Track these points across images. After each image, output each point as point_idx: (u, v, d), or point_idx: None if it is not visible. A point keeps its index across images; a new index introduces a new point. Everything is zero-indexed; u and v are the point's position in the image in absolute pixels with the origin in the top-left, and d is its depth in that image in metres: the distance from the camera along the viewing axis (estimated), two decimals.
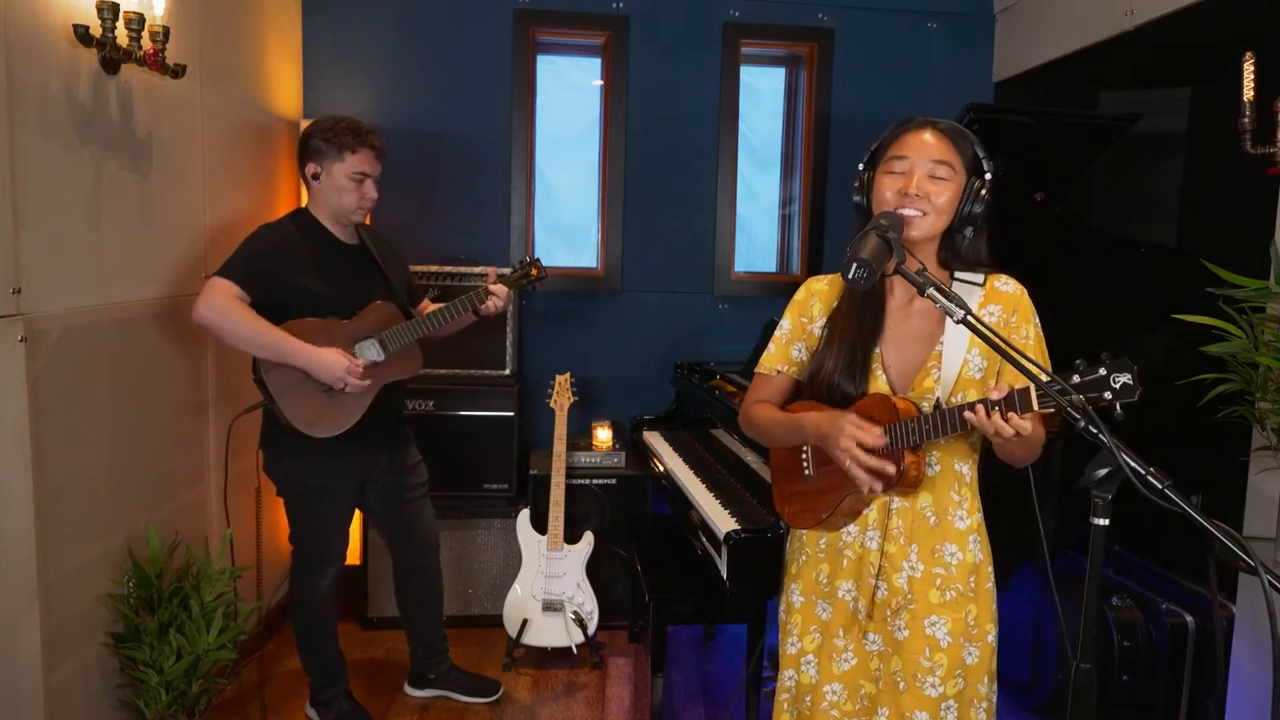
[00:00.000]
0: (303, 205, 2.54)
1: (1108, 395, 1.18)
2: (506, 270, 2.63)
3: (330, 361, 2.31)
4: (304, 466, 2.46)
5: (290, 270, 2.37)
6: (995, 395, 1.30)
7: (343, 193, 2.42)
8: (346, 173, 2.41)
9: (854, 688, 1.58)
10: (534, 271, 2.61)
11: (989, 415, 1.30)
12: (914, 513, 1.54)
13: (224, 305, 2.26)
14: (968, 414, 1.33)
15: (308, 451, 2.42)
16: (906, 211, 1.48)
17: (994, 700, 1.56)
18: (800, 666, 1.63)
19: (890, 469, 1.44)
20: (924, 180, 1.49)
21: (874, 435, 1.44)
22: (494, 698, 2.86)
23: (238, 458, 2.91)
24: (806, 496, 1.62)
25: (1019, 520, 2.10)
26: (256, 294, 2.31)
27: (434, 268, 3.39)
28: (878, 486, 1.45)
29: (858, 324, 1.57)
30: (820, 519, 1.58)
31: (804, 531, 1.67)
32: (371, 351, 2.40)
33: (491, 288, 2.52)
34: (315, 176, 2.43)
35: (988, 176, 1.52)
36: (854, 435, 1.44)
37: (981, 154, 1.53)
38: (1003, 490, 1.70)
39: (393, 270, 2.60)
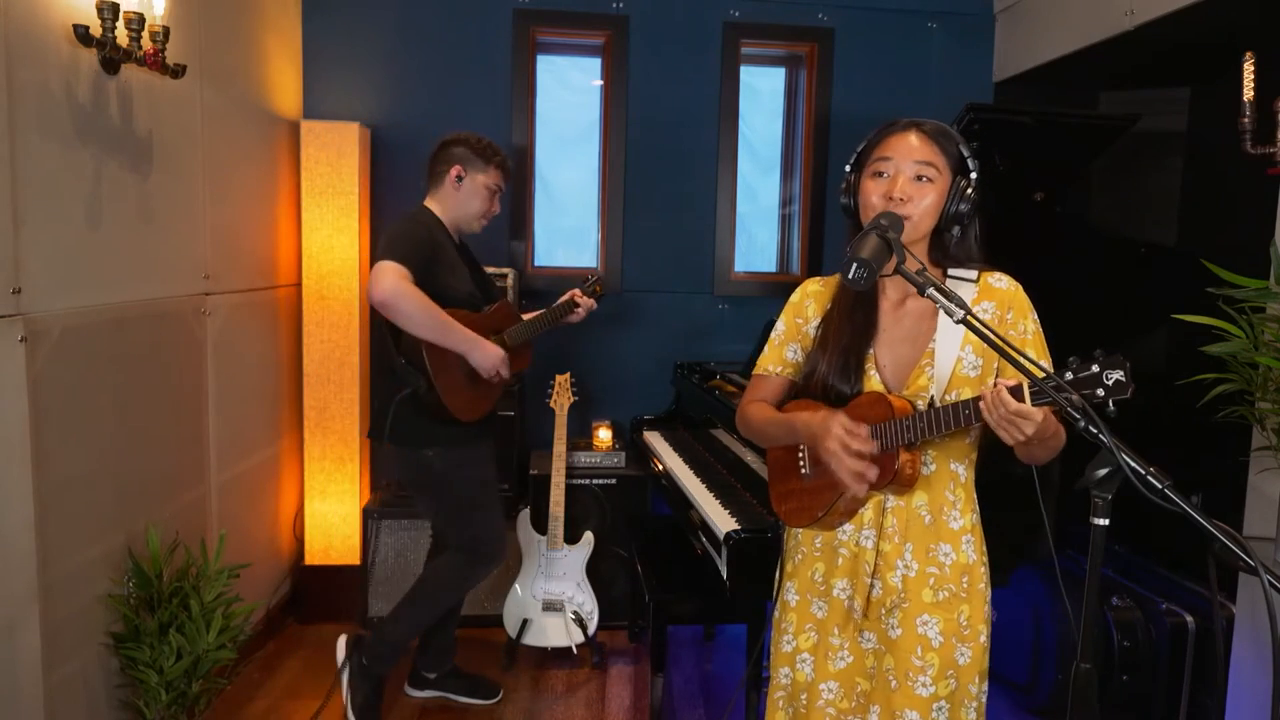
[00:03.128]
0: (423, 205, 2.63)
1: (1100, 392, 1.19)
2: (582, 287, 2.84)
3: (491, 351, 2.48)
4: (459, 457, 2.56)
5: (438, 263, 2.49)
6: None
7: (478, 200, 2.61)
8: (488, 183, 2.61)
9: (850, 685, 1.59)
10: (599, 289, 2.88)
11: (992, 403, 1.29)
12: (909, 511, 1.54)
13: (404, 286, 2.33)
14: (982, 403, 1.31)
15: (457, 440, 2.53)
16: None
17: (984, 700, 1.57)
18: (796, 664, 1.64)
19: (873, 473, 1.45)
20: (908, 183, 1.49)
21: (862, 439, 1.44)
22: (495, 700, 2.86)
23: (240, 456, 2.92)
24: (803, 495, 1.62)
25: (1019, 519, 2.11)
26: (419, 275, 2.40)
27: None
28: (861, 489, 1.46)
29: (850, 325, 1.57)
30: (816, 517, 1.59)
31: (800, 530, 1.67)
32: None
33: (581, 300, 2.75)
34: (459, 178, 2.58)
35: (973, 176, 1.52)
36: (840, 437, 1.45)
37: (967, 153, 1.53)
38: (1003, 489, 1.70)
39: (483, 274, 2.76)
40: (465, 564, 2.64)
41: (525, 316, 2.75)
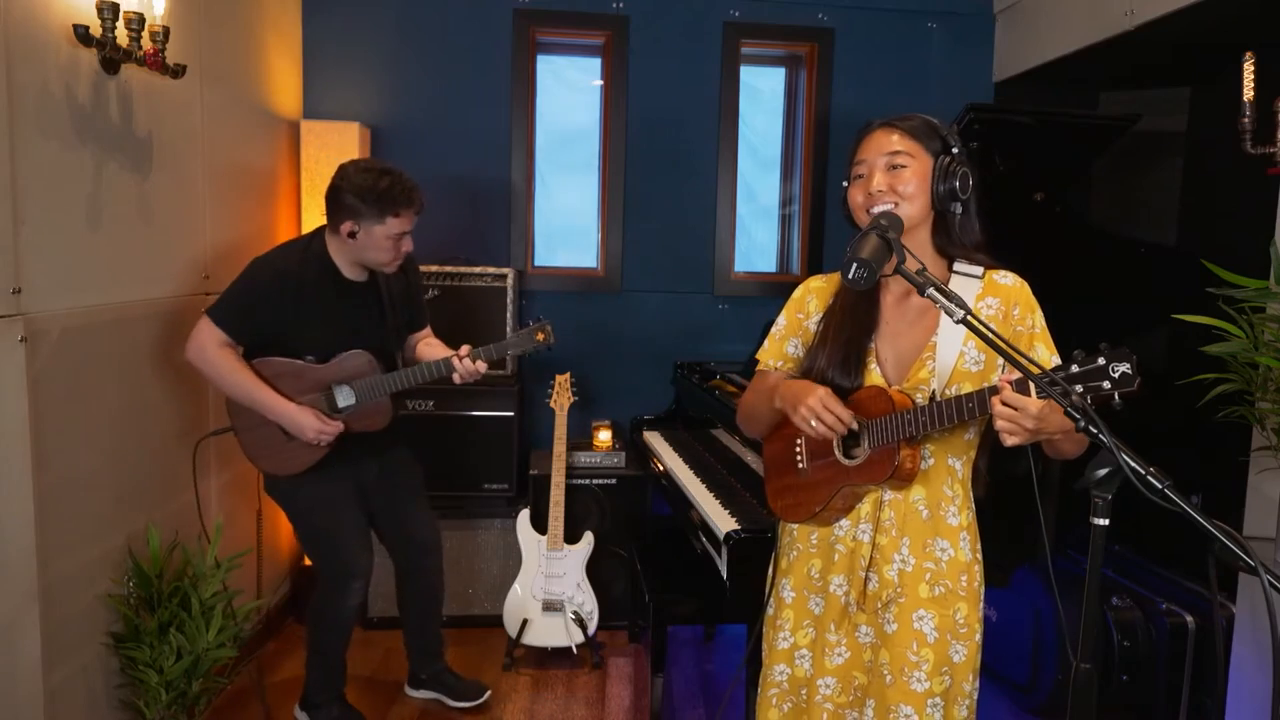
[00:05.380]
0: (318, 229, 2.44)
1: (1106, 385, 1.18)
2: (504, 341, 2.42)
3: (304, 422, 2.32)
4: (300, 484, 2.45)
5: (282, 313, 2.32)
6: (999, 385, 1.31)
7: (379, 251, 2.35)
8: (387, 234, 2.32)
9: (847, 680, 1.59)
10: (540, 336, 2.39)
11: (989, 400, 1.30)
12: (906, 506, 1.55)
13: (211, 354, 2.30)
14: (994, 400, 1.31)
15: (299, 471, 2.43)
16: (878, 208, 1.49)
17: (975, 697, 1.58)
18: (794, 661, 1.64)
19: (844, 425, 1.46)
20: (883, 176, 1.51)
21: (847, 413, 1.46)
22: (478, 701, 2.81)
23: (232, 462, 2.91)
24: (799, 490, 1.62)
25: (1019, 519, 2.11)
26: (242, 338, 2.35)
27: (434, 268, 3.38)
28: (821, 432, 1.46)
29: (852, 319, 1.58)
30: (813, 513, 1.59)
31: (795, 526, 1.67)
32: (345, 398, 2.39)
33: (460, 365, 2.36)
34: (352, 235, 2.32)
35: (955, 151, 1.52)
36: (822, 399, 1.46)
37: (944, 133, 1.54)
38: (1003, 489, 1.70)
39: (398, 305, 2.53)
40: (325, 588, 2.56)
41: (429, 358, 2.44)
